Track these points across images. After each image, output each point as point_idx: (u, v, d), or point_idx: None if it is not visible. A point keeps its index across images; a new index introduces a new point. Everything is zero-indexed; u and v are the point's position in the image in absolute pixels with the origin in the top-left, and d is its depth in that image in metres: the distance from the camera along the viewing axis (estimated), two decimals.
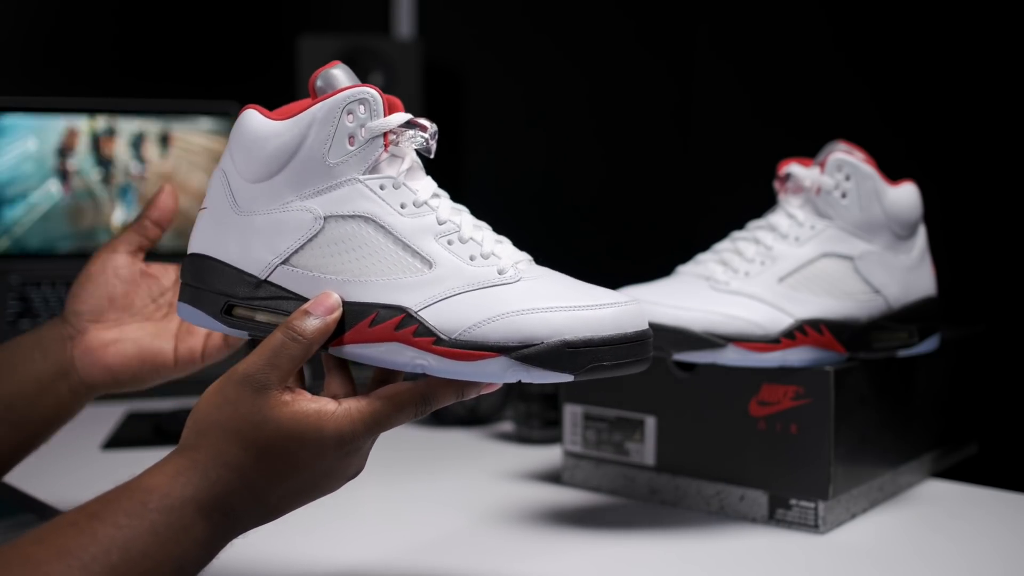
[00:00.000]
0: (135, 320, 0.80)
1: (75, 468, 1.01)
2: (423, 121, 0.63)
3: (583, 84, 1.61)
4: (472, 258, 0.62)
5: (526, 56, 1.69)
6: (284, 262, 0.62)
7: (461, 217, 0.64)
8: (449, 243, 0.62)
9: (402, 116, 0.63)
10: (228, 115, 1.49)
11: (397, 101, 0.64)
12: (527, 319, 0.60)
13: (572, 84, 1.63)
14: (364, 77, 1.63)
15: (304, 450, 0.58)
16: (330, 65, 0.64)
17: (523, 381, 0.60)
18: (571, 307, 0.61)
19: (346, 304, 0.61)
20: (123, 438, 1.12)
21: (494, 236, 0.64)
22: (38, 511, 0.91)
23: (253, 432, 0.58)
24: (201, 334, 0.80)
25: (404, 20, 1.82)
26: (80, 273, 0.79)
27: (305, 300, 0.62)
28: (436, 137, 0.64)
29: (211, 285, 0.64)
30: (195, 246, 0.66)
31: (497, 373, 0.60)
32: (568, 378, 0.60)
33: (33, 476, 0.84)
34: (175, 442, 0.86)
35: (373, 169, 0.62)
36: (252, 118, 0.63)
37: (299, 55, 1.63)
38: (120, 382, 0.78)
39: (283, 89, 1.73)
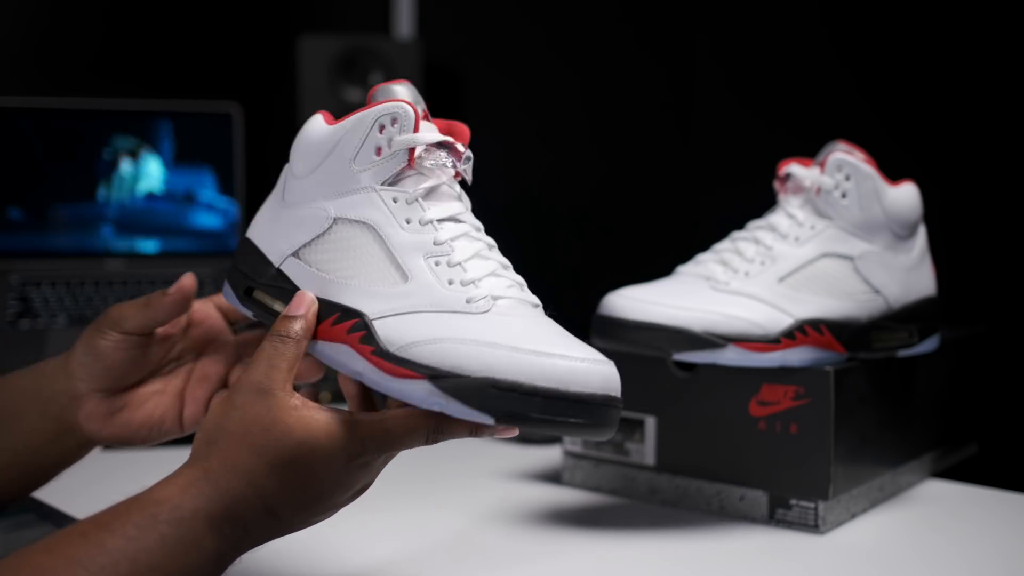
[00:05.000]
0: (141, 381, 0.74)
1: (75, 468, 1.00)
2: (458, 146, 0.64)
3: (582, 84, 1.61)
4: (450, 282, 0.61)
5: (526, 57, 1.69)
6: (294, 254, 0.65)
7: (469, 246, 0.62)
8: (436, 264, 0.62)
9: (432, 136, 0.63)
10: (229, 115, 1.48)
11: (461, 127, 0.65)
12: (463, 349, 0.57)
13: (571, 84, 1.63)
14: (364, 77, 1.64)
15: (314, 458, 0.58)
16: (395, 81, 0.66)
17: (444, 412, 0.57)
18: (516, 348, 0.56)
19: (321, 302, 0.63)
20: None
21: (495, 270, 0.62)
22: (38, 511, 0.91)
23: (263, 435, 0.58)
24: (206, 396, 0.75)
25: (404, 20, 1.82)
26: (82, 336, 0.72)
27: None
28: (470, 163, 0.65)
29: (243, 265, 0.68)
30: (249, 230, 0.70)
31: (421, 397, 0.57)
32: (488, 420, 0.56)
33: None
34: (173, 442, 0.86)
35: (393, 182, 0.63)
36: (313, 120, 0.67)
37: (299, 55, 1.62)
38: (130, 444, 0.74)
39: (283, 89, 1.73)
